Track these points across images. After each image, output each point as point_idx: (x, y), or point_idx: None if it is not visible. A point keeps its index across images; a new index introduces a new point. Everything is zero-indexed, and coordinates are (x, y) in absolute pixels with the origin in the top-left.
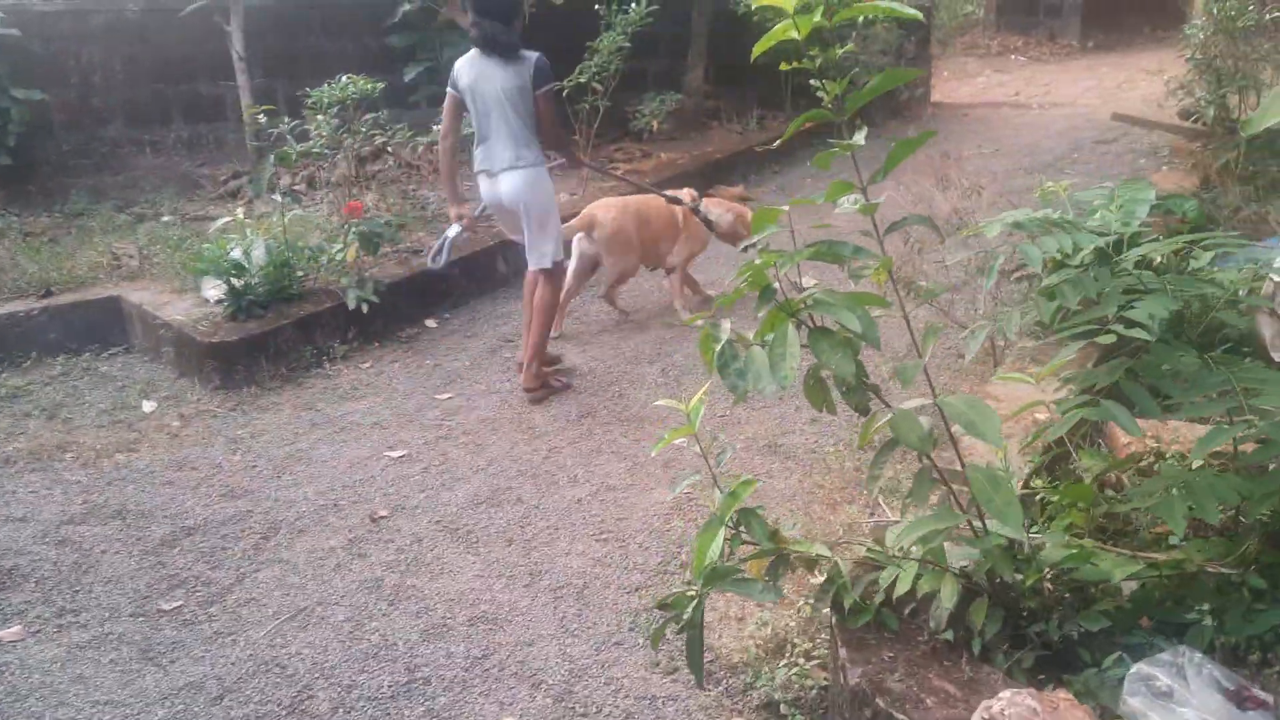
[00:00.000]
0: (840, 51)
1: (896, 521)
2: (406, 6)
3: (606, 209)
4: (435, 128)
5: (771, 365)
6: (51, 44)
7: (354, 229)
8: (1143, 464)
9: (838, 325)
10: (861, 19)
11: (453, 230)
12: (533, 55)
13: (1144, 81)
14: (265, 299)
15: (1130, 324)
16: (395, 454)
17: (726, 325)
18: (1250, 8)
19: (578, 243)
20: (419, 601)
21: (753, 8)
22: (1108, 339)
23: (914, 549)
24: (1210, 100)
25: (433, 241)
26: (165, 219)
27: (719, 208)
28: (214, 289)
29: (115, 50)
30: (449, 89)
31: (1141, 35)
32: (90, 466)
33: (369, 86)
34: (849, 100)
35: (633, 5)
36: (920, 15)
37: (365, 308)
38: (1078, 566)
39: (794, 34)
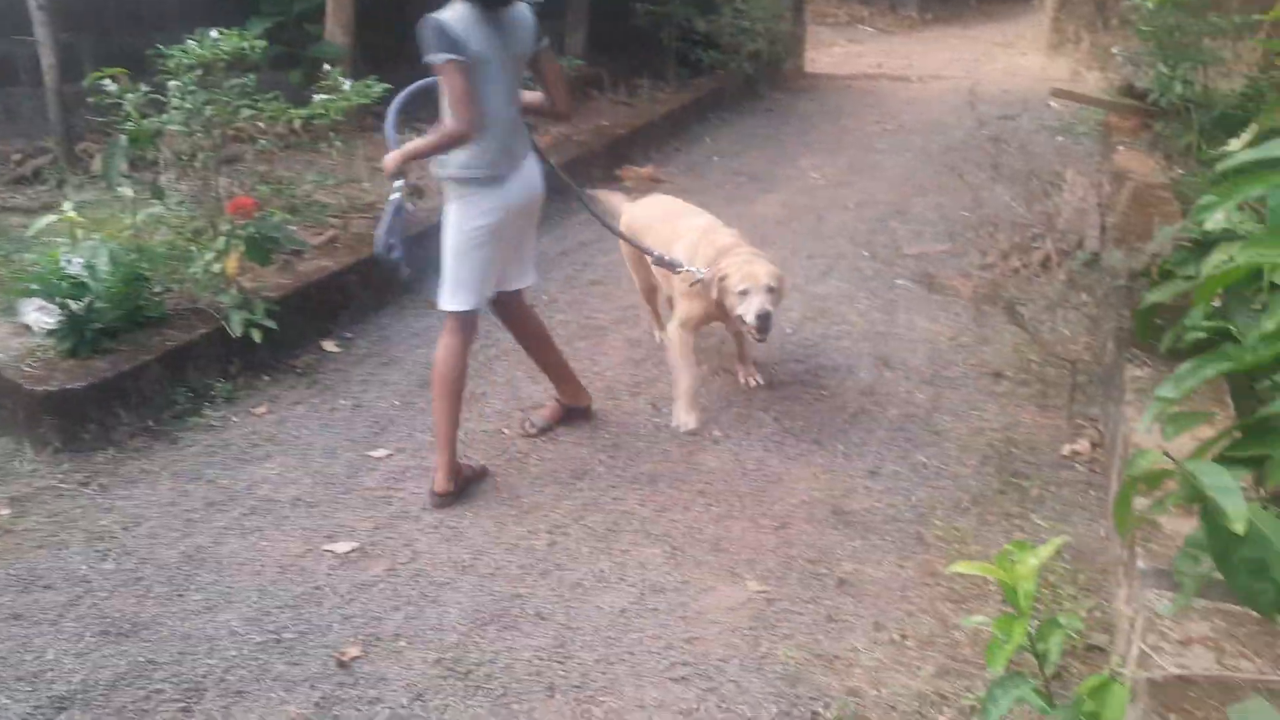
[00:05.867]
0: None
1: None
2: None
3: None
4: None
5: None
6: None
7: (239, 232)
8: None
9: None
10: None
11: None
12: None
13: (1001, 54)
14: (115, 326)
15: None
16: (340, 547)
17: (1222, 474)
18: None
19: None
20: None
21: None
22: None
23: None
24: (1172, 76)
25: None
26: None
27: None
28: (40, 312)
29: None
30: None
31: (970, 8)
32: None
33: (246, 44)
34: None
35: None
36: None
37: (257, 335)
38: None
39: None
